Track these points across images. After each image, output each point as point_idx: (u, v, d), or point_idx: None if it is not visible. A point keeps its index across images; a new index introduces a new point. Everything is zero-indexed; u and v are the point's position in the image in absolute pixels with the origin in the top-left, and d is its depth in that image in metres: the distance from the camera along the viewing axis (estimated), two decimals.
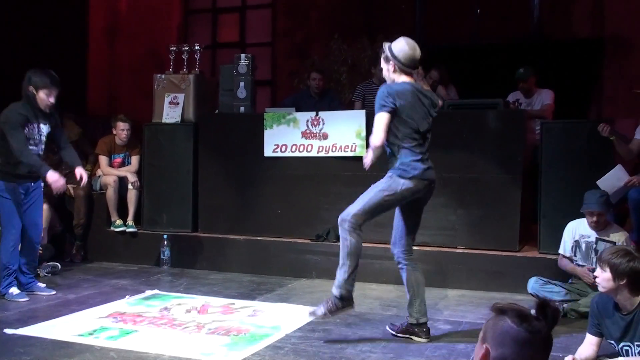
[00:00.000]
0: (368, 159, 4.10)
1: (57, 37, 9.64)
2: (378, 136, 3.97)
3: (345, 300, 4.09)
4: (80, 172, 5.42)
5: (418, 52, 4.13)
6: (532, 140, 6.44)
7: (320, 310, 4.10)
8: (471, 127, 5.95)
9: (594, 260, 4.80)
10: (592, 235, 4.87)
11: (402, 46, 4.10)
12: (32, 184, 5.45)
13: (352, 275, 4.07)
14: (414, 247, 5.77)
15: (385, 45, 4.18)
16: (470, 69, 8.67)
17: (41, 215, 5.67)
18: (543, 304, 1.82)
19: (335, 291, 4.08)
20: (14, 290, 5.33)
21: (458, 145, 5.93)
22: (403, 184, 4.02)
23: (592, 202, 4.80)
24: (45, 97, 5.30)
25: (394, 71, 4.12)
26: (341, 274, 4.08)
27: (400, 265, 4.29)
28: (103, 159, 7.10)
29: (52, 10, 9.59)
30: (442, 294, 5.50)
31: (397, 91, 4.03)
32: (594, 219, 4.80)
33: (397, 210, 4.28)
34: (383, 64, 4.19)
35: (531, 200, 5.97)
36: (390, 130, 4.02)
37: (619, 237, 4.78)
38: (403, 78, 4.11)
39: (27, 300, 5.24)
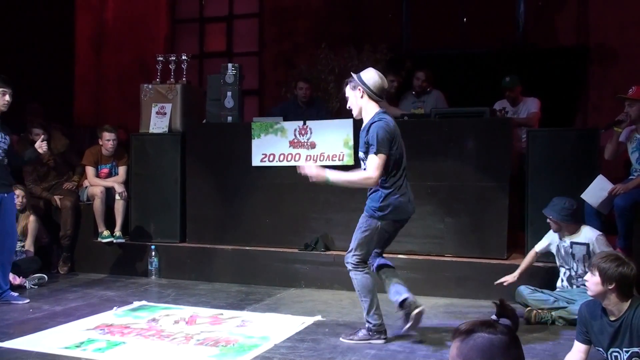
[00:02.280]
0: (316, 174, 4.27)
1: (43, 46, 9.61)
2: (375, 176, 4.11)
3: (375, 332, 4.31)
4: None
5: (387, 84, 4.35)
6: (518, 148, 6.48)
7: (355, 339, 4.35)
8: (458, 136, 5.97)
9: (574, 264, 4.88)
10: (567, 239, 4.95)
11: (372, 75, 4.26)
12: (5, 194, 5.45)
13: (371, 310, 4.30)
14: (402, 256, 5.84)
15: (354, 75, 4.30)
16: (456, 77, 8.71)
17: (14, 224, 5.66)
18: (502, 306, 1.87)
19: (366, 325, 4.36)
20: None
21: (445, 154, 5.95)
22: (381, 224, 4.24)
23: (552, 209, 4.93)
24: (0, 97, 5.36)
25: (362, 97, 4.25)
26: (363, 310, 4.36)
27: (350, 273, 4.41)
28: (90, 170, 7.06)
29: (38, 19, 9.56)
30: (431, 302, 5.48)
31: (394, 132, 4.17)
32: (552, 225, 4.99)
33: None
34: (349, 92, 4.31)
35: (518, 207, 6.00)
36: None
37: (589, 238, 4.87)
38: (372, 105, 4.25)
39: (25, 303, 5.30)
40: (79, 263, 7.08)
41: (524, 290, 4.95)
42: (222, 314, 5.16)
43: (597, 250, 4.71)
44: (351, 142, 6.16)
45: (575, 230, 4.94)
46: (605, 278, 3.20)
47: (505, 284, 5.03)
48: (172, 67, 7.15)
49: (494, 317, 1.86)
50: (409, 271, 5.79)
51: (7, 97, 5.40)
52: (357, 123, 6.20)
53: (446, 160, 5.95)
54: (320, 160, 6.31)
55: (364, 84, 4.22)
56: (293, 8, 10.18)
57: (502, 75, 7.21)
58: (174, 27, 11.42)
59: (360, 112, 4.31)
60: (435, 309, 5.30)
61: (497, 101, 7.15)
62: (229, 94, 6.87)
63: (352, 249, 4.33)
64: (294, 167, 6.37)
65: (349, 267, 4.34)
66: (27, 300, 5.56)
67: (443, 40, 9.66)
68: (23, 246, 6.47)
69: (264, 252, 6.43)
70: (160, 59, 7.24)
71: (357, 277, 4.31)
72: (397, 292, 4.24)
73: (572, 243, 4.92)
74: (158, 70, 7.21)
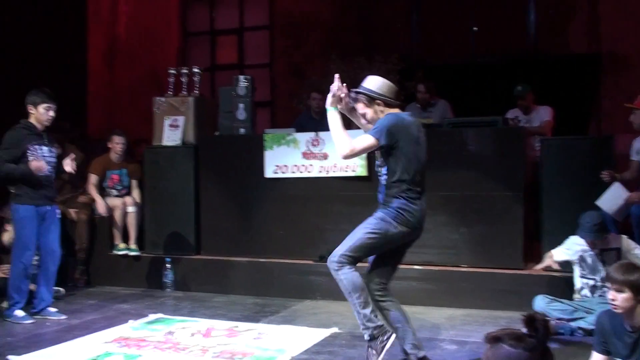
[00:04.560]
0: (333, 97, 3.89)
1: (57, 61, 9.68)
2: (352, 148, 3.77)
3: (379, 336, 3.74)
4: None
5: (394, 85, 3.99)
6: (532, 157, 6.47)
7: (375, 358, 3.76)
8: (471, 145, 5.96)
9: (603, 272, 4.83)
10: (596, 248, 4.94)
11: (381, 81, 3.93)
12: (49, 207, 5.52)
13: (366, 312, 3.75)
14: (417, 267, 5.82)
15: (362, 89, 3.90)
16: (467, 87, 8.72)
17: (57, 241, 5.68)
18: (530, 319, 1.86)
19: (365, 336, 3.79)
20: (19, 312, 5.35)
21: (458, 164, 5.95)
22: (398, 231, 3.80)
23: (585, 230, 4.89)
24: (45, 112, 5.36)
25: (382, 110, 3.88)
26: (356, 315, 3.81)
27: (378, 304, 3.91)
28: (92, 177, 7.04)
29: (52, 34, 9.65)
30: (447, 313, 5.48)
31: (400, 128, 3.79)
32: (589, 245, 4.94)
33: None
34: (365, 110, 3.91)
35: (533, 217, 5.98)
36: (392, 165, 3.83)
37: (618, 242, 4.88)
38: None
39: (31, 323, 5.29)
40: (95, 276, 7.11)
41: (542, 299, 4.92)
42: (237, 327, 5.17)
43: (632, 250, 4.78)
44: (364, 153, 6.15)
45: (604, 239, 4.93)
46: (636, 291, 3.17)
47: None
48: (184, 79, 7.20)
49: (524, 329, 1.86)
50: (424, 282, 5.78)
51: (51, 113, 5.45)
52: None
53: (459, 170, 5.95)
54: (333, 171, 6.32)
55: (380, 94, 3.88)
56: (303, 19, 10.24)
57: (513, 85, 7.21)
58: (186, 40, 11.51)
59: None
60: (451, 319, 5.29)
61: (509, 110, 7.15)
62: (241, 106, 6.90)
63: (344, 251, 3.79)
64: (307, 178, 6.47)
65: (334, 267, 3.78)
66: (64, 317, 5.55)
67: (453, 50, 9.67)
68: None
69: (279, 264, 6.43)
70: (173, 71, 7.29)
71: (345, 276, 3.75)
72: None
73: (601, 250, 4.91)
74: (170, 83, 7.26)
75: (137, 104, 10.11)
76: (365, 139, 3.79)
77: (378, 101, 3.88)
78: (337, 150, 3.86)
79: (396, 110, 3.94)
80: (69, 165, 5.63)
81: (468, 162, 5.94)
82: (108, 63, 11.22)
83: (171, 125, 7.06)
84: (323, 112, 7.40)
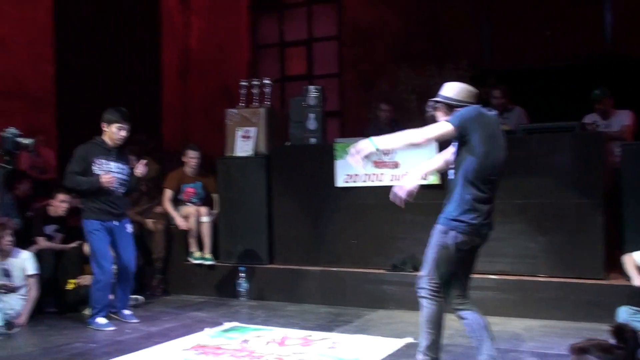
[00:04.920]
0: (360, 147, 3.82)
1: (133, 76, 10.05)
2: (428, 134, 3.64)
3: None
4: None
5: (472, 87, 3.88)
6: (612, 163, 6.25)
7: None
8: (547, 151, 5.82)
9: None
10: None
11: (458, 87, 3.85)
12: (115, 222, 5.66)
13: (433, 344, 3.78)
14: (492, 276, 5.70)
15: (440, 97, 3.85)
16: (542, 92, 8.52)
17: (131, 259, 5.82)
18: (619, 330, 1.78)
19: (418, 356, 3.82)
20: (101, 320, 5.54)
21: (534, 170, 5.81)
22: (455, 240, 3.69)
23: None
24: (117, 131, 5.52)
25: None
26: (421, 339, 3.81)
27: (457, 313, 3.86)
28: (167, 193, 7.22)
29: (128, 51, 10.01)
30: (525, 324, 5.34)
31: (476, 119, 3.65)
32: None
33: None
34: (444, 118, 3.79)
35: (613, 225, 5.76)
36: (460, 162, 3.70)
37: None
38: None
39: (113, 330, 5.46)
40: (172, 284, 7.28)
41: (626, 311, 4.73)
42: (311, 336, 5.19)
43: None
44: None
45: None
46: None
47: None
48: (255, 91, 7.30)
49: (611, 341, 1.80)
50: (500, 292, 5.66)
51: (123, 133, 5.63)
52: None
53: (536, 177, 5.80)
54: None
55: (458, 100, 3.80)
56: (372, 29, 10.24)
57: (589, 89, 6.99)
58: (256, 53, 11.70)
59: None
60: (529, 331, 5.15)
61: (586, 115, 6.93)
62: (312, 116, 6.95)
63: (426, 274, 3.79)
64: (378, 187, 6.44)
65: (422, 293, 3.79)
66: (138, 320, 5.77)
67: (526, 55, 9.46)
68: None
69: (352, 274, 6.42)
70: (244, 83, 7.40)
71: (427, 305, 3.77)
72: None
73: None
74: (242, 95, 7.38)
75: (210, 115, 10.34)
76: (440, 125, 3.67)
77: (457, 108, 3.78)
78: (411, 143, 3.73)
79: None
80: (139, 169, 5.77)
81: (545, 168, 5.79)
82: (182, 76, 11.53)
83: (243, 136, 7.18)
84: (391, 123, 7.42)
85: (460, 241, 3.68)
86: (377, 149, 3.80)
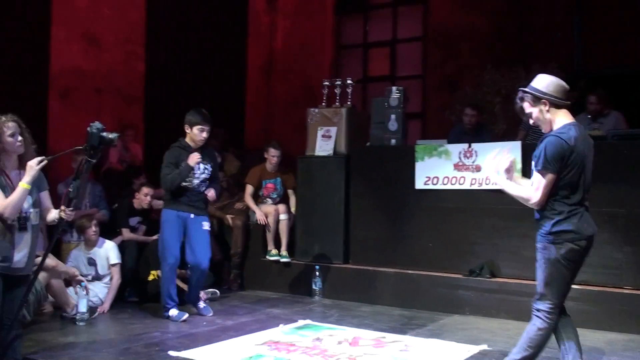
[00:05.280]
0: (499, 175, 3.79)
1: (219, 76, 10.28)
2: (537, 198, 3.64)
3: None
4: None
5: (565, 84, 3.76)
6: None
7: None
8: (639, 159, 5.55)
9: None
10: None
11: (548, 80, 3.75)
12: (192, 216, 5.76)
13: (520, 358, 3.72)
14: (574, 286, 5.47)
15: (529, 88, 3.78)
16: (637, 95, 8.11)
17: (205, 256, 5.86)
18: None
19: None
20: (174, 311, 5.67)
21: (623, 178, 5.56)
22: (559, 252, 3.65)
23: None
24: (198, 133, 5.65)
25: (548, 110, 3.70)
26: (515, 353, 3.75)
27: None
28: (249, 188, 7.35)
29: (215, 51, 10.24)
30: (607, 337, 5.11)
31: (569, 150, 3.60)
32: None
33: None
34: (531, 109, 3.75)
35: None
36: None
37: None
38: (561, 117, 3.72)
39: (185, 321, 5.60)
40: (248, 280, 7.40)
41: None
42: (384, 337, 5.14)
43: None
44: (519, 165, 5.91)
45: None
46: None
47: None
48: (337, 91, 7.32)
49: None
50: (582, 303, 5.42)
51: (205, 134, 5.75)
52: (526, 146, 6.00)
53: (624, 186, 5.55)
54: (486, 183, 6.15)
55: (545, 93, 3.69)
56: (457, 30, 10.06)
57: None
58: (339, 53, 11.73)
59: (550, 126, 3.73)
60: (611, 344, 4.93)
61: None
62: (393, 117, 6.91)
63: (540, 294, 3.72)
64: (458, 190, 6.34)
65: (539, 314, 3.69)
66: (211, 314, 5.89)
67: (621, 56, 9.04)
68: None
69: (427, 277, 6.33)
70: (326, 83, 7.44)
71: (534, 326, 3.69)
72: None
73: None
74: (324, 95, 7.41)
75: (291, 115, 10.44)
76: (540, 181, 3.64)
77: (544, 101, 3.70)
78: (524, 201, 3.73)
79: (563, 113, 3.73)
80: (210, 195, 5.83)
81: (635, 176, 5.53)
82: (265, 76, 11.70)
83: (324, 136, 7.21)
84: (477, 128, 7.26)
85: (565, 249, 3.66)
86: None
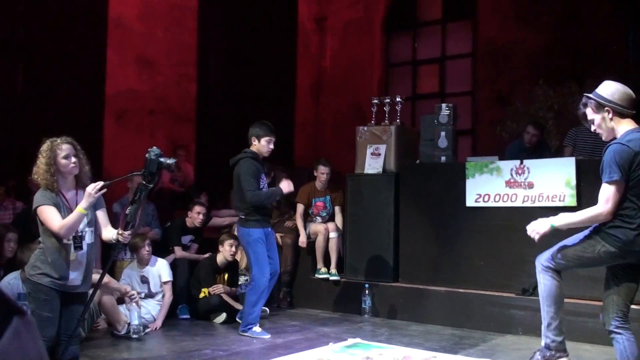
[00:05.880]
0: (540, 228, 3.84)
1: (269, 95, 10.42)
2: (606, 210, 3.57)
3: (553, 350, 3.94)
4: None
5: (632, 92, 3.69)
6: None
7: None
8: None
9: None
10: None
11: (614, 87, 3.67)
12: (270, 230, 5.92)
13: (552, 322, 3.92)
14: (634, 306, 5.28)
15: (593, 94, 3.70)
16: None
17: (277, 261, 6.01)
18: None
19: (542, 342, 4.00)
20: (257, 328, 5.74)
21: None
22: (602, 248, 3.65)
23: None
24: (266, 145, 5.70)
25: (612, 119, 3.62)
26: (543, 320, 3.98)
27: (612, 335, 3.66)
28: (299, 207, 7.41)
29: (265, 70, 10.39)
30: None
31: (634, 156, 3.53)
32: None
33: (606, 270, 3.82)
34: (593, 115, 3.68)
35: None
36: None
37: None
38: (623, 125, 3.62)
39: (270, 337, 5.66)
40: (298, 298, 7.41)
41: None
42: (435, 357, 5.07)
43: None
44: (573, 182, 5.81)
45: None
46: None
47: None
48: (386, 109, 7.31)
49: None
50: (637, 322, 5.25)
51: (272, 145, 5.82)
52: (580, 162, 5.88)
53: None
54: (539, 201, 6.03)
55: (609, 101, 3.61)
56: (508, 46, 9.98)
57: None
58: (388, 71, 11.75)
59: (611, 135, 3.67)
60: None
61: None
62: (443, 134, 6.86)
63: (554, 253, 3.87)
64: (510, 207, 6.23)
65: (539, 267, 3.92)
66: (269, 335, 5.75)
67: None
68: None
69: (478, 296, 6.23)
70: (375, 101, 7.43)
71: (545, 282, 3.89)
72: None
73: None
74: (373, 113, 7.41)
75: (340, 133, 10.50)
76: (606, 191, 3.58)
77: (607, 108, 3.63)
78: (596, 220, 3.67)
79: (627, 122, 3.64)
80: (286, 186, 5.87)
81: None
82: (314, 94, 11.80)
83: (373, 154, 7.20)
84: (534, 147, 7.12)
85: (606, 249, 3.68)
86: (553, 227, 3.85)
